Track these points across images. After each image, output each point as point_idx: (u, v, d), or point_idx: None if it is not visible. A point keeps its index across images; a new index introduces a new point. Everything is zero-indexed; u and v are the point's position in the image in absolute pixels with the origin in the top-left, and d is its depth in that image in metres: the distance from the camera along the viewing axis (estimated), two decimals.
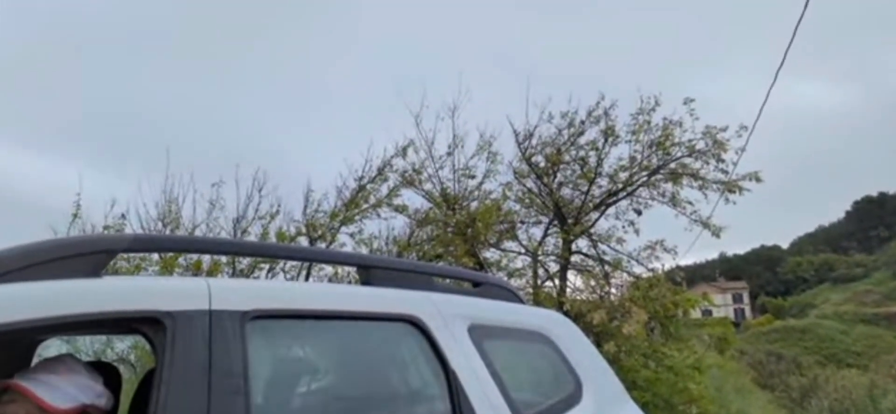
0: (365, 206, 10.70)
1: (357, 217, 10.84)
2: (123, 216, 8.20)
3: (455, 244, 9.85)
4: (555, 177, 10.49)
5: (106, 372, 2.09)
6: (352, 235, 10.98)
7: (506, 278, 10.12)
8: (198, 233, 9.21)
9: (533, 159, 10.50)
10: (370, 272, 1.92)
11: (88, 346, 8.26)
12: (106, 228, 7.85)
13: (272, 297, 1.58)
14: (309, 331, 1.63)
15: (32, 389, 1.34)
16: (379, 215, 10.91)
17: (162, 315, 1.34)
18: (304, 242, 10.21)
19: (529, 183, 10.82)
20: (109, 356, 8.12)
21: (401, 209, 10.46)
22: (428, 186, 10.73)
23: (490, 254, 10.98)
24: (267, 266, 9.93)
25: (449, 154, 10.53)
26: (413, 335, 1.84)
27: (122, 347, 7.17)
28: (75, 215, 7.65)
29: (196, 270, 8.26)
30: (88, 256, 1.38)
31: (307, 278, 9.92)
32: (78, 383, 1.45)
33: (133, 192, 12.80)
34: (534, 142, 10.43)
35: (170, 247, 2.19)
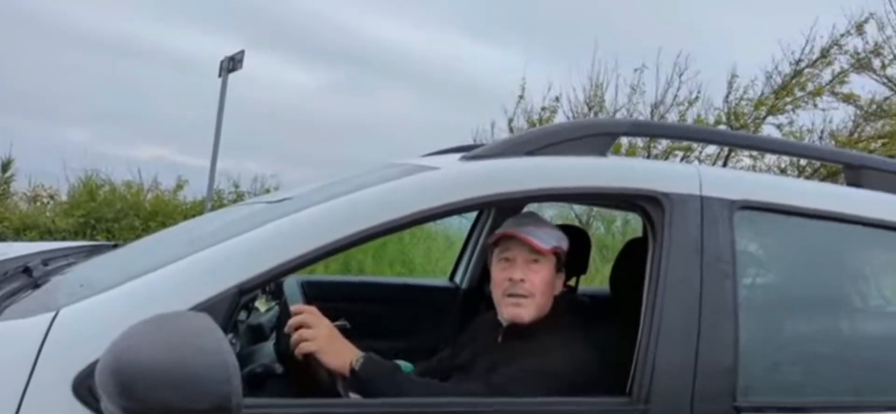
0: (799, 93, 9.44)
1: (788, 106, 9.68)
2: (557, 99, 9.12)
3: None
4: None
5: (576, 234, 2.45)
6: (779, 127, 9.92)
7: None
8: (618, 116, 9.60)
9: None
10: (862, 173, 1.73)
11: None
12: (542, 109, 8.89)
13: (762, 189, 1.57)
14: (796, 227, 1.59)
15: (524, 234, 1.66)
16: (815, 105, 9.53)
17: (660, 195, 1.47)
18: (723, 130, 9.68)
19: None
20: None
21: (848, 98, 8.87)
22: (891, 71, 8.75)
23: None
24: (680, 154, 9.78)
25: None
26: None
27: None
28: (520, 97, 8.88)
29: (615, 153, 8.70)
30: (598, 137, 1.59)
31: (725, 166, 9.47)
32: (549, 230, 1.72)
33: (564, 76, 13.99)
34: None
35: (662, 133, 2.34)
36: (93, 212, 8.19)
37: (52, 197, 8.86)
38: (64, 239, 7.22)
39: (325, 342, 1.49)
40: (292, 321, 1.50)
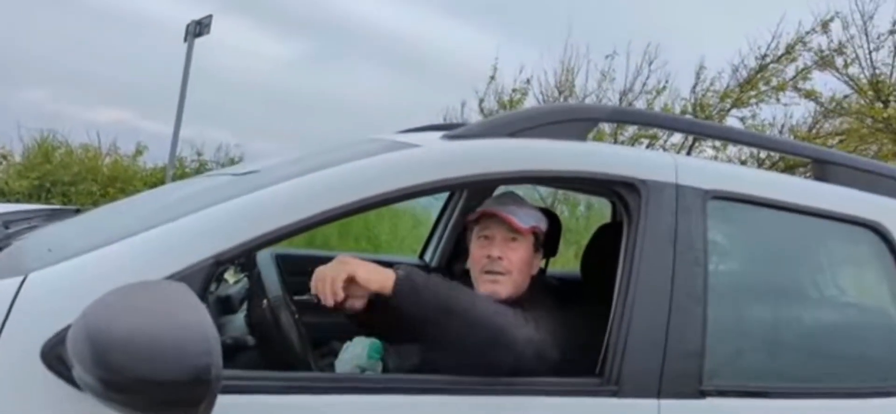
0: (764, 88, 9.67)
1: (752, 100, 9.90)
2: (528, 81, 9.16)
3: (878, 142, 8.22)
4: None
5: (548, 216, 2.48)
6: (742, 119, 10.16)
7: None
8: (587, 101, 9.69)
9: None
10: (828, 168, 1.79)
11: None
12: (514, 91, 8.91)
13: (733, 179, 1.61)
14: (763, 218, 1.63)
15: (504, 213, 1.67)
16: (778, 100, 9.78)
17: (638, 182, 1.49)
18: None
19: None
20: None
21: (810, 95, 9.10)
22: (853, 70, 8.97)
23: None
24: (645, 142, 9.93)
25: (893, 32, 8.53)
26: (871, 243, 1.71)
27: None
28: (492, 78, 8.89)
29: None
30: (578, 122, 1.60)
31: (689, 155, 9.68)
32: (528, 210, 1.75)
33: (536, 59, 13.98)
34: None
35: (641, 120, 2.33)
36: (48, 174, 7.90)
37: (5, 157, 8.51)
38: (18, 202, 6.96)
39: (357, 264, 1.42)
40: (314, 281, 1.43)
